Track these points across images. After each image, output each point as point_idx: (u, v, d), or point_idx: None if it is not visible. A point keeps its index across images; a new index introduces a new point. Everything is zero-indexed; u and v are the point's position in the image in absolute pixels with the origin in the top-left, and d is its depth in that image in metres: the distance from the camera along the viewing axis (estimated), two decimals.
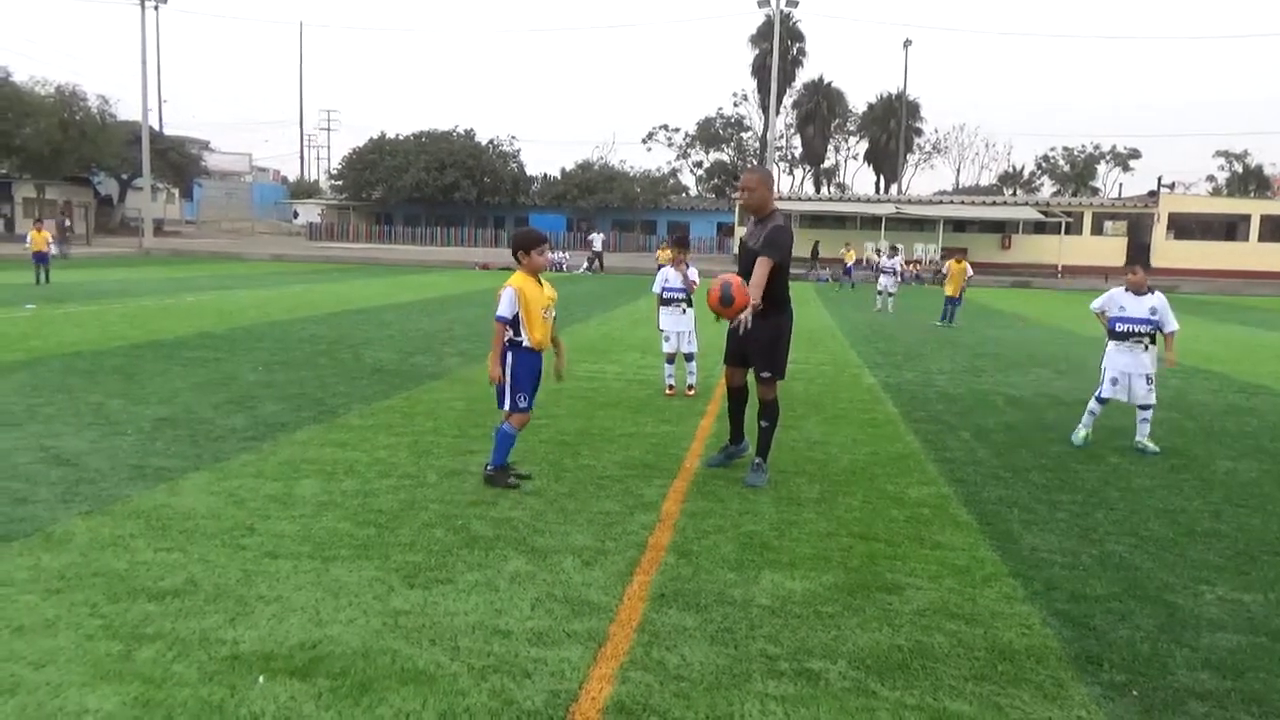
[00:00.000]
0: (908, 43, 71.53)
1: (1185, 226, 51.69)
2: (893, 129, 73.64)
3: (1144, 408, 7.77)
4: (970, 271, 21.59)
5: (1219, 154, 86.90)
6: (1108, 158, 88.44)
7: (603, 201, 64.52)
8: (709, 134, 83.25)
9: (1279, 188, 79.49)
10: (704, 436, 7.74)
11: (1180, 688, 3.53)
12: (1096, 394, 8.02)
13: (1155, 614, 4.23)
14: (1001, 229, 51.83)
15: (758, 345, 6.08)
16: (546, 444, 7.23)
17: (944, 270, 22.32)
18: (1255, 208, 54.32)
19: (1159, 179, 58.88)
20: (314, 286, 25.91)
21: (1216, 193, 76.22)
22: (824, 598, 4.30)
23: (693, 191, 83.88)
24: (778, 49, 51.09)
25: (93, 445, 6.69)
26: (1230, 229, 52.00)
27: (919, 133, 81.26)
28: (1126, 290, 7.98)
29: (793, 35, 71.16)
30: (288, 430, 7.38)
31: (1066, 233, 49.31)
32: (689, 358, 9.98)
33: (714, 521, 5.39)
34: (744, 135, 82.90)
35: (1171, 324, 7.80)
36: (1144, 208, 52.83)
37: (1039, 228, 50.84)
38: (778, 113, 61.62)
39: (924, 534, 5.29)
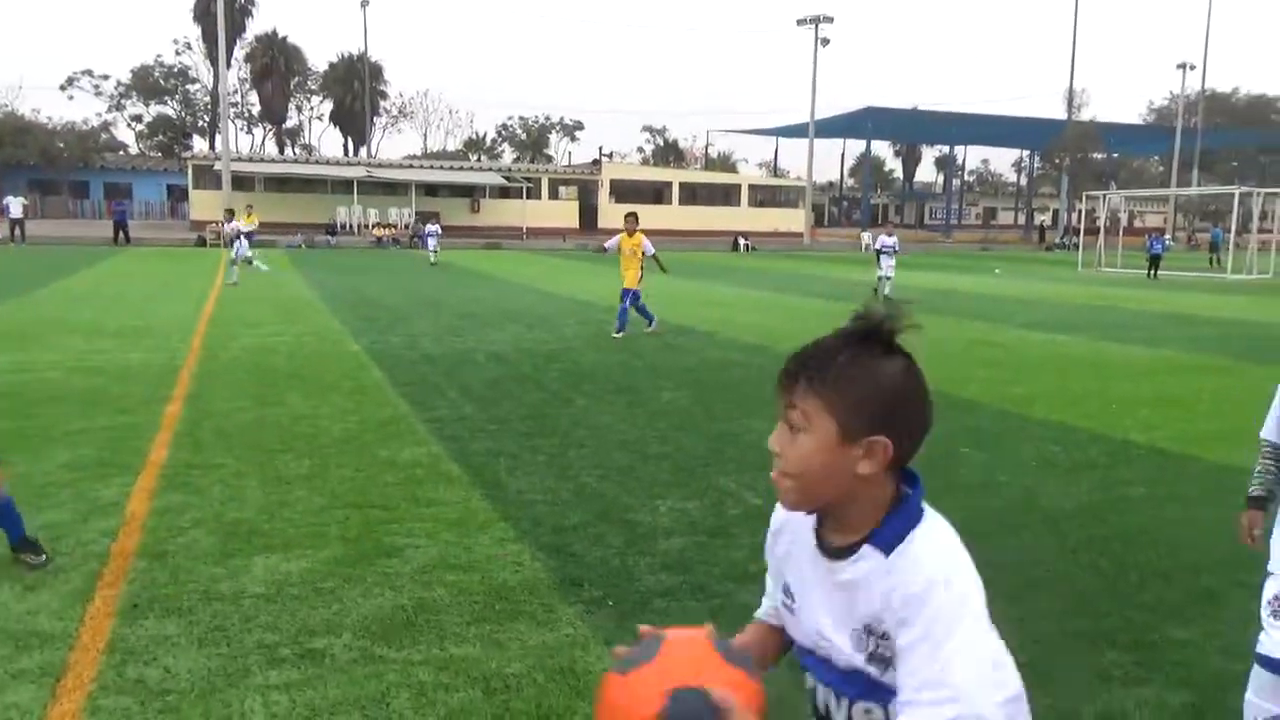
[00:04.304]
0: (365, 2, 70.51)
1: (624, 191, 58.95)
2: (357, 90, 72.35)
3: None
4: (649, 248, 13.05)
5: (645, 129, 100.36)
6: (558, 128, 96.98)
7: (13, 158, 54.05)
8: (148, 84, 74.04)
9: (691, 159, 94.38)
10: (172, 425, 6.98)
11: (645, 590, 4.08)
12: None
13: (623, 532, 4.83)
14: (470, 193, 54.21)
15: None
16: None
17: (608, 247, 13.62)
18: (675, 176, 64.07)
19: (600, 149, 66.29)
20: None
21: (645, 163, 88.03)
22: (322, 573, 4.18)
23: (133, 149, 74.22)
24: None
25: None
26: (658, 194, 60.53)
27: (384, 96, 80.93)
28: None
29: None
30: None
31: (528, 197, 53.18)
32: None
33: (192, 515, 4.91)
34: (191, 88, 75.29)
35: None
36: (590, 174, 59.11)
37: (504, 192, 54.11)
38: (229, 66, 56.89)
39: (419, 494, 5.39)
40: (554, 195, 57.40)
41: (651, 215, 57.18)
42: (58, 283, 18.96)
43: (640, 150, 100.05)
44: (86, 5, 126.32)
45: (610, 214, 57.49)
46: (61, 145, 57.46)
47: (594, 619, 3.78)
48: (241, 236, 22.39)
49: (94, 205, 58.84)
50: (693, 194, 60.00)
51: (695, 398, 8.51)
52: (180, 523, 4.80)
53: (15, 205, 36.48)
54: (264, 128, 78.63)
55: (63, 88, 73.20)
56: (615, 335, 12.40)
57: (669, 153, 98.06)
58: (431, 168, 58.14)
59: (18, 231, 35.23)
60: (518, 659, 3.43)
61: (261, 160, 55.21)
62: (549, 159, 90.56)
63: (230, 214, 27.96)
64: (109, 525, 4.73)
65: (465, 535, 4.73)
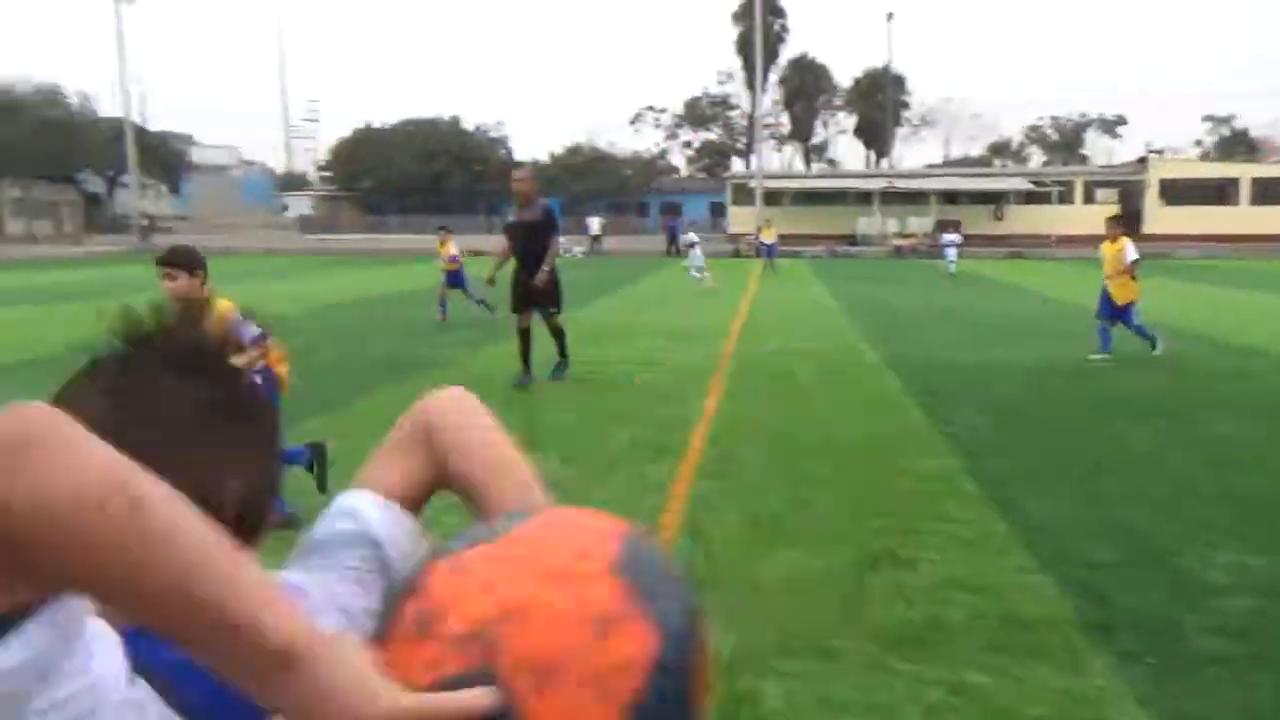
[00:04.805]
0: (890, 15, 71.43)
1: (1176, 192, 51.62)
2: (880, 103, 73.37)
3: None
4: (1130, 254, 11.03)
5: (1206, 118, 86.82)
6: (1095, 125, 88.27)
7: (594, 186, 64.35)
8: (696, 114, 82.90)
9: (1269, 149, 79.45)
10: (709, 418, 7.76)
11: (1195, 653, 3.56)
12: None
13: (1167, 580, 4.26)
14: (994, 200, 51.82)
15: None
16: (549, 429, 7.25)
17: (1100, 255, 11.71)
18: (1245, 171, 54.27)
19: (1147, 145, 58.85)
20: (309, 278, 25.83)
21: (1205, 157, 76.10)
22: (837, 574, 4.33)
23: (684, 172, 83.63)
24: (760, 25, 50.84)
25: None
26: (1221, 193, 51.97)
27: (906, 106, 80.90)
28: None
29: (774, 11, 70.79)
30: (292, 425, 7.37)
31: (1059, 202, 49.29)
32: None
33: (723, 500, 5.42)
34: (731, 114, 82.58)
35: None
36: (1134, 175, 52.83)
37: (1030, 198, 50.84)
38: (764, 90, 61.43)
39: (933, 507, 5.32)
40: (1089, 199, 52.31)
41: (1213, 218, 49.53)
42: (623, 289, 22.15)
43: (1198, 144, 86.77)
44: (650, 51, 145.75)
45: (1160, 219, 50.84)
46: (629, 172, 66.98)
47: (1129, 674, 3.40)
48: (695, 248, 24.59)
49: (652, 223, 67.76)
50: (1265, 191, 50.46)
51: (1263, 432, 7.18)
52: (713, 506, 5.33)
53: (594, 224, 44.68)
54: (794, 145, 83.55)
55: (631, 123, 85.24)
56: (1093, 358, 10.68)
57: (1236, 143, 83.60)
58: (953, 175, 56.74)
59: (595, 245, 42.48)
60: (1038, 701, 3.22)
61: (790, 176, 58.74)
62: (1083, 159, 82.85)
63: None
64: (656, 501, 5.42)
65: (980, 556, 4.56)
